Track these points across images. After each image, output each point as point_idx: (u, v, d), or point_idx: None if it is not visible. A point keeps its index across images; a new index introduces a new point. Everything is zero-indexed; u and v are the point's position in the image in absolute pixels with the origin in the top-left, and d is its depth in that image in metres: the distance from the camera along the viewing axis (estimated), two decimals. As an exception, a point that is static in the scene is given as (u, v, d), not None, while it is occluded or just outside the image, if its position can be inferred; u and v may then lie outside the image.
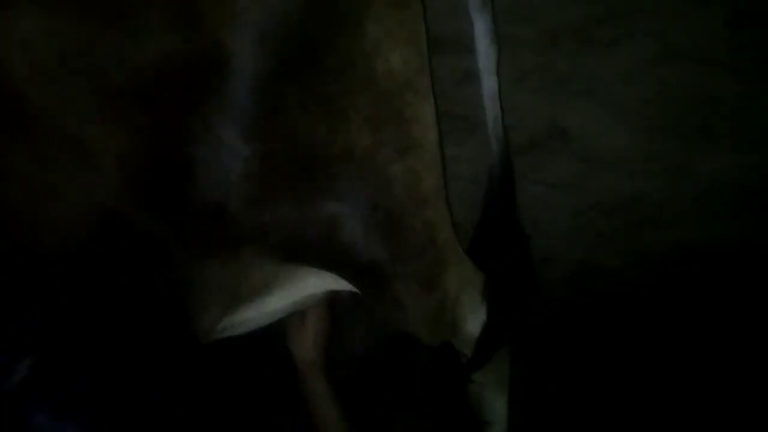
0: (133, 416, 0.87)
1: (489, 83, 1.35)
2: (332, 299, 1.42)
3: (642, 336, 2.03)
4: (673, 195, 2.11)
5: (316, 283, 1.24)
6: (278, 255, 1.13)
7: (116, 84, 0.98)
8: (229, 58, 0.99)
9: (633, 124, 2.05)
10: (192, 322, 1.08)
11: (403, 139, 1.12)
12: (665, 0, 1.99)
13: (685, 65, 2.01)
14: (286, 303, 1.25)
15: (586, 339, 2.04)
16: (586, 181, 2.08)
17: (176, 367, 0.96)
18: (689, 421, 1.90)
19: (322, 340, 1.42)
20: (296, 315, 1.37)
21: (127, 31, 0.97)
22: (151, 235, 1.03)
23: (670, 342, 2.02)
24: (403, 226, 1.16)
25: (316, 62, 1.03)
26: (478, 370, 1.44)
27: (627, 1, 1.98)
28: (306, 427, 1.43)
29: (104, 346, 0.90)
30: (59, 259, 1.01)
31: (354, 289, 1.27)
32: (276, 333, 1.40)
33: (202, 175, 1.03)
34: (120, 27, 0.97)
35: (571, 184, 2.08)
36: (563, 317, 2.02)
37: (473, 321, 1.36)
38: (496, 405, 1.54)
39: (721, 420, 1.88)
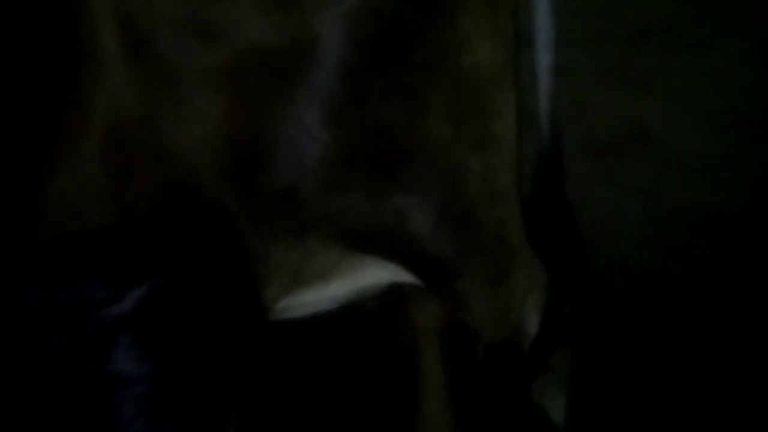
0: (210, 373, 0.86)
1: (545, 59, 1.31)
2: None
3: (711, 352, 1.95)
4: (756, 206, 2.01)
5: (377, 274, 1.23)
6: (343, 242, 1.13)
7: (208, 61, 0.99)
8: (319, 45, 1.00)
9: (718, 129, 1.96)
10: (256, 294, 1.08)
11: (482, 133, 1.11)
12: (757, 2, 1.90)
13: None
14: (346, 291, 1.24)
15: (649, 352, 1.97)
16: (664, 188, 2.00)
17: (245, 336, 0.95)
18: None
19: (447, 312, 1.38)
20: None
21: (222, 12, 0.99)
22: (222, 210, 1.04)
23: (742, 357, 1.93)
24: (474, 222, 1.14)
25: (405, 53, 1.02)
26: (537, 369, 1.43)
27: (719, 2, 1.90)
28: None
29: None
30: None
31: (417, 282, 1.24)
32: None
33: (280, 157, 1.03)
34: (216, 7, 0.99)
35: (647, 189, 2.00)
36: (628, 328, 1.96)
37: (536, 321, 1.34)
38: (556, 407, 1.51)
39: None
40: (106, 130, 1.02)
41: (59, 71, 1.02)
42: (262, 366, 0.98)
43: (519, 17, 1.26)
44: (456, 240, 1.14)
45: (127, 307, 0.78)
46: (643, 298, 2.03)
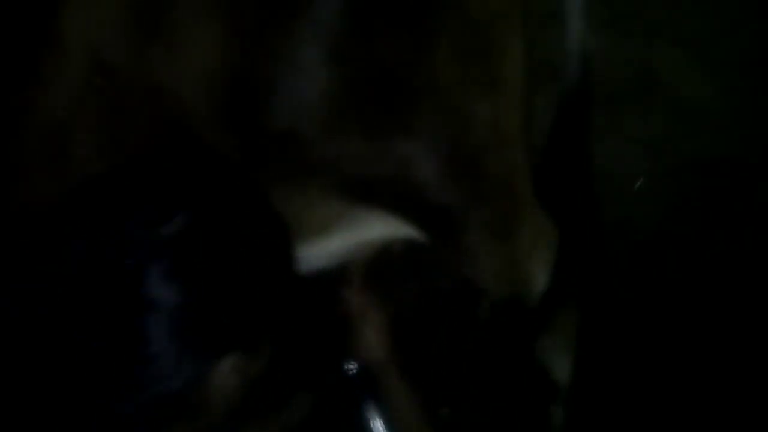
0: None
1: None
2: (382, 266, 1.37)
3: (718, 309, 1.91)
4: (764, 157, 1.95)
5: (378, 229, 1.20)
6: (345, 193, 1.10)
7: None
8: None
9: (729, 79, 1.90)
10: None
11: (490, 75, 1.08)
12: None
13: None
14: (345, 245, 1.22)
15: (656, 307, 1.94)
16: (672, 139, 1.95)
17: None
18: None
19: (387, 335, 1.35)
20: (349, 322, 1.33)
21: None
22: (221, 151, 1.02)
23: (752, 315, 1.89)
24: (482, 167, 1.11)
25: None
26: (544, 326, 1.42)
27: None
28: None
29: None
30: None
31: (414, 239, 1.21)
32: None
33: (278, 96, 1.02)
34: None
35: (654, 141, 1.95)
36: (632, 285, 1.92)
37: (542, 275, 1.31)
38: (561, 366, 1.51)
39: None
40: (93, 64, 1.00)
41: (39, 3, 1.00)
42: (291, 300, 0.97)
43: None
44: (463, 188, 1.11)
45: (162, 237, 0.80)
46: (648, 252, 1.99)
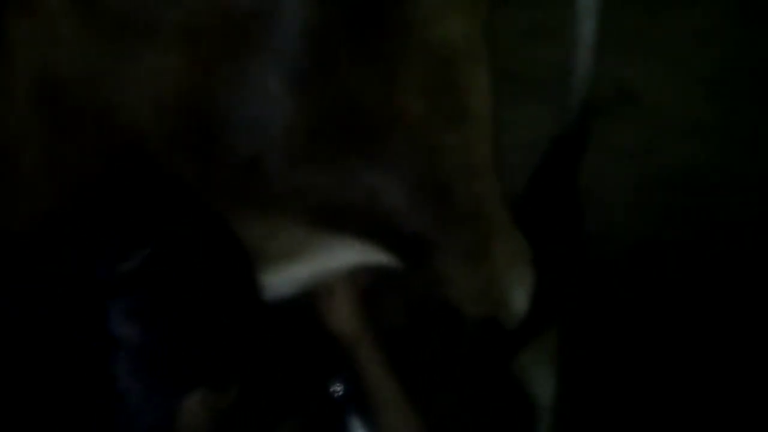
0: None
1: (587, 26, 1.31)
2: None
3: (704, 318, 1.93)
4: (747, 166, 1.98)
5: (345, 256, 1.19)
6: (310, 220, 1.10)
7: (161, 19, 0.97)
8: (281, 4, 0.97)
9: (706, 88, 1.93)
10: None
11: (457, 108, 1.08)
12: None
13: (765, 27, 1.88)
14: (311, 272, 1.20)
15: (642, 319, 1.96)
16: (653, 150, 1.98)
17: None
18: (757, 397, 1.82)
19: (358, 308, 1.31)
20: (322, 289, 1.29)
21: None
22: (179, 178, 1.02)
23: (736, 323, 1.91)
24: (450, 198, 1.12)
25: (372, 21, 1.00)
26: (524, 345, 1.40)
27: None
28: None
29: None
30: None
31: (387, 264, 1.21)
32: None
33: (241, 125, 1.01)
34: None
35: (636, 152, 1.98)
36: (620, 296, 1.94)
37: (521, 296, 1.30)
38: (545, 381, 1.51)
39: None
40: (40, 83, 1.00)
41: None
42: (259, 331, 0.99)
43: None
44: (432, 216, 1.11)
45: (122, 274, 0.81)
46: (633, 262, 2.01)
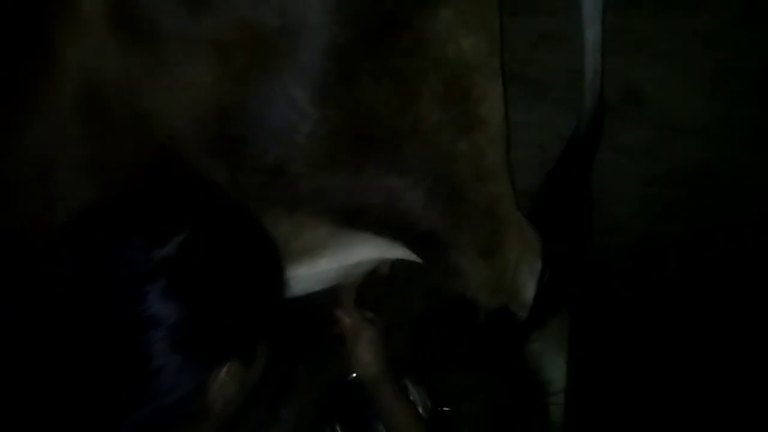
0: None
1: (593, 33, 1.34)
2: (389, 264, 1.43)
3: (705, 310, 1.98)
4: (751, 166, 2.02)
5: (367, 252, 1.25)
6: (333, 218, 1.14)
7: (194, 31, 0.99)
8: (307, 24, 1.00)
9: (711, 89, 1.95)
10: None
11: (469, 117, 1.12)
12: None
13: (768, 28, 1.90)
14: (335, 268, 1.26)
15: (646, 308, 2.01)
16: (659, 149, 2.01)
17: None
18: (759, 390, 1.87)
19: (380, 349, 1.42)
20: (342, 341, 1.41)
21: None
22: (208, 178, 1.05)
23: (738, 318, 1.96)
24: (464, 200, 1.17)
25: (392, 38, 1.03)
26: (534, 332, 1.46)
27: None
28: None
29: None
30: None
31: (408, 258, 1.27)
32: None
33: (269, 132, 1.04)
34: None
35: (642, 150, 2.01)
36: (625, 286, 1.99)
37: (532, 286, 1.37)
38: (555, 367, 1.56)
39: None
40: (83, 89, 1.02)
41: (33, 26, 1.01)
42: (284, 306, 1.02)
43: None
44: (447, 216, 1.16)
45: (160, 256, 0.83)
46: (640, 259, 2.06)
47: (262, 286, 0.94)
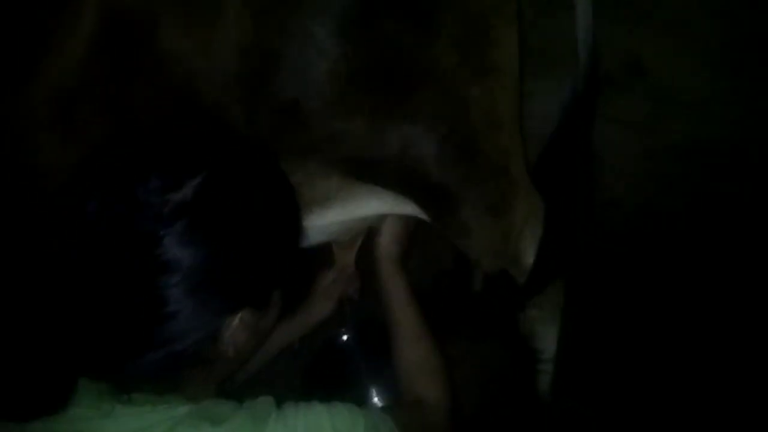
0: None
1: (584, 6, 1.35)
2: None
3: (703, 287, 1.99)
4: (753, 141, 2.00)
5: (376, 206, 1.25)
6: (345, 169, 1.14)
7: None
8: None
9: (715, 63, 1.94)
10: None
11: (484, 61, 1.12)
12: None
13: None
14: (341, 220, 1.25)
15: (643, 279, 2.01)
16: (660, 122, 1.99)
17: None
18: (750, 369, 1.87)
19: (406, 241, 1.35)
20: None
21: None
22: (225, 120, 1.05)
23: (734, 293, 1.97)
24: (476, 150, 1.16)
25: None
26: (530, 298, 1.46)
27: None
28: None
29: None
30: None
31: (413, 214, 1.26)
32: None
33: (286, 69, 1.04)
34: None
35: (643, 124, 2.00)
36: (623, 257, 1.99)
37: (533, 252, 1.36)
38: (548, 335, 1.56)
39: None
40: (103, 28, 1.02)
41: None
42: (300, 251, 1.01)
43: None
44: (459, 167, 1.15)
45: (177, 200, 0.81)
46: (638, 232, 2.06)
47: (279, 232, 0.92)
